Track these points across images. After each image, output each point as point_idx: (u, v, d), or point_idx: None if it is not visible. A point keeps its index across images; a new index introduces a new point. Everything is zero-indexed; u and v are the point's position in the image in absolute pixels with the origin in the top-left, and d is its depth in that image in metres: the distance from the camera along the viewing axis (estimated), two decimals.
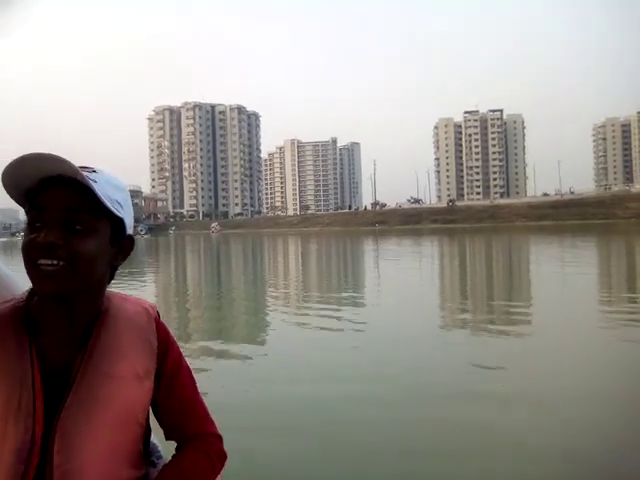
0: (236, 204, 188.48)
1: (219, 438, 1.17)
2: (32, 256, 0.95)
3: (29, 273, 0.96)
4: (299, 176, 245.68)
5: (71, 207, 0.98)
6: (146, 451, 1.12)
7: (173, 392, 1.11)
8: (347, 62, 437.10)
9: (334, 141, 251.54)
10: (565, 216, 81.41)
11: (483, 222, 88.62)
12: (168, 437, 1.15)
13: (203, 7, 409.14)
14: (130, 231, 1.07)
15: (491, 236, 50.38)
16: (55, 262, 0.94)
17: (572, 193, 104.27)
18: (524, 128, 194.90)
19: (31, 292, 1.06)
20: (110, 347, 1.03)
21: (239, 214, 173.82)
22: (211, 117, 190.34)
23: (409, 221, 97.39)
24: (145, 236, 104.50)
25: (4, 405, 0.94)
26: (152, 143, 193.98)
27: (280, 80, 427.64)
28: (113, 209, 1.01)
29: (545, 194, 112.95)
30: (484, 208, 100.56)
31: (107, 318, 1.05)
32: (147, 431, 1.11)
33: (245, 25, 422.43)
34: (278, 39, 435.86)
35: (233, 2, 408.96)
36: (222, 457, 1.16)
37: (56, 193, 0.97)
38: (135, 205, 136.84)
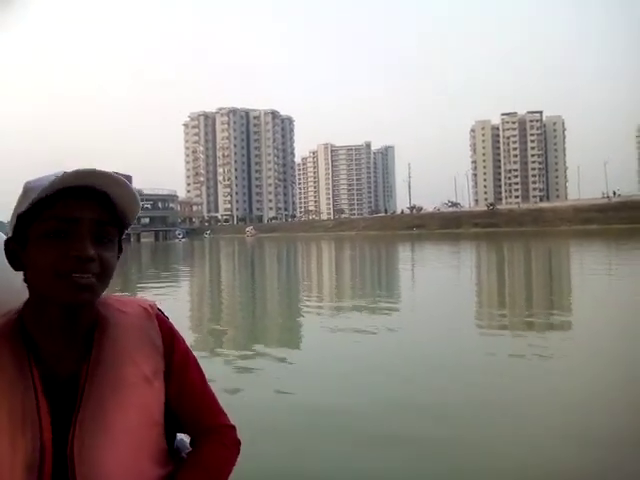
0: (270, 208, 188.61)
1: (232, 428, 1.18)
2: (64, 268, 0.94)
3: (54, 284, 0.94)
4: (332, 180, 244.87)
5: (101, 220, 0.99)
6: (173, 448, 1.13)
7: (184, 387, 1.11)
8: (380, 64, 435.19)
9: (368, 145, 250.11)
10: (613, 220, 77.78)
11: (526, 226, 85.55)
12: (184, 431, 1.16)
13: (236, 12, 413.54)
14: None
15: (540, 241, 47.99)
16: (89, 276, 0.95)
17: (619, 196, 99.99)
18: (564, 130, 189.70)
19: (25, 305, 1.04)
20: (114, 354, 1.02)
21: (273, 218, 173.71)
22: (245, 122, 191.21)
23: (448, 225, 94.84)
24: (183, 240, 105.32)
25: (9, 419, 0.94)
26: (187, 148, 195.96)
27: (313, 84, 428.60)
28: (130, 223, 1.05)
29: (592, 198, 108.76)
30: (527, 212, 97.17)
31: (107, 324, 1.05)
32: (173, 428, 1.12)
33: (278, 30, 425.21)
34: (311, 42, 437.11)
35: (266, 7, 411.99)
36: (237, 446, 1.17)
37: (88, 205, 0.98)
38: (171, 209, 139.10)
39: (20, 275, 1.02)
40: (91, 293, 0.96)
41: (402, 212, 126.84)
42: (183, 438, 1.19)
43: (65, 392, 0.98)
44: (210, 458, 1.10)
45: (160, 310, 1.14)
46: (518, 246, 40.42)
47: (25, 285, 1.03)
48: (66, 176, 0.95)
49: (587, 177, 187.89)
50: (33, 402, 0.95)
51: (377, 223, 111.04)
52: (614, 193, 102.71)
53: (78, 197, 0.97)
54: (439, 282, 17.36)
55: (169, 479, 1.04)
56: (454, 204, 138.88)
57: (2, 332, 1.00)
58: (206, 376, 1.17)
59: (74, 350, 1.01)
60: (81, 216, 0.97)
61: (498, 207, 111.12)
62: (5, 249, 1.02)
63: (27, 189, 0.98)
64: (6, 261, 1.03)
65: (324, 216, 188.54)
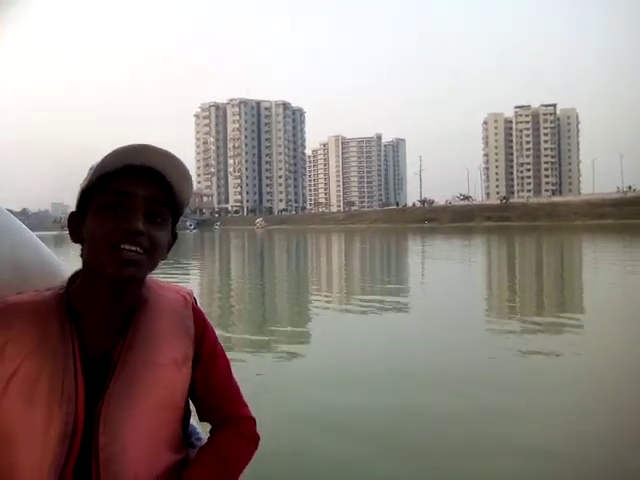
0: (280, 200, 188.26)
1: (253, 420, 1.20)
2: (114, 239, 0.97)
3: (104, 255, 0.98)
4: (343, 172, 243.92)
5: (155, 199, 1.02)
6: (185, 433, 1.15)
7: (209, 376, 1.13)
8: (392, 56, 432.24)
9: (379, 137, 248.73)
10: (628, 214, 76.59)
11: (539, 220, 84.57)
12: (202, 419, 1.18)
13: (248, 3, 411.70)
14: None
15: (556, 236, 47.18)
16: (138, 249, 0.98)
17: (633, 190, 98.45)
18: (578, 123, 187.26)
19: (72, 278, 1.09)
20: (149, 335, 1.05)
21: (283, 210, 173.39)
22: (256, 113, 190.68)
23: (461, 218, 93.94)
24: (194, 231, 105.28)
25: (48, 390, 0.96)
26: (198, 139, 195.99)
27: (324, 75, 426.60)
28: (183, 207, 1.09)
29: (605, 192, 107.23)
30: (540, 205, 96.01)
31: (146, 306, 1.08)
32: (186, 413, 1.14)
33: (290, 21, 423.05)
34: (323, 34, 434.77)
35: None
36: (255, 439, 1.18)
37: (143, 183, 1.02)
38: None
39: (37, 254, 1.12)
40: (136, 268, 0.99)
41: (413, 205, 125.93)
42: (194, 424, 1.21)
43: (99, 367, 1.01)
44: (227, 448, 1.12)
45: (195, 300, 1.17)
46: (536, 241, 39.65)
47: (59, 266, 1.12)
48: (124, 153, 1.00)
49: (601, 171, 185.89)
50: (72, 377, 0.97)
51: (388, 216, 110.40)
52: (629, 188, 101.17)
53: (135, 174, 1.01)
54: (460, 280, 16.78)
55: (181, 464, 1.07)
56: (466, 197, 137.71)
57: (49, 305, 1.03)
58: (232, 368, 1.19)
59: (114, 327, 1.04)
60: (135, 192, 1.00)
61: (511, 201, 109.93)
62: (68, 222, 1.07)
63: (92, 167, 1.02)
64: (23, 239, 1.14)
65: (334, 208, 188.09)
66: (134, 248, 0.98)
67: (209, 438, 1.16)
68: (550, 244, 35.33)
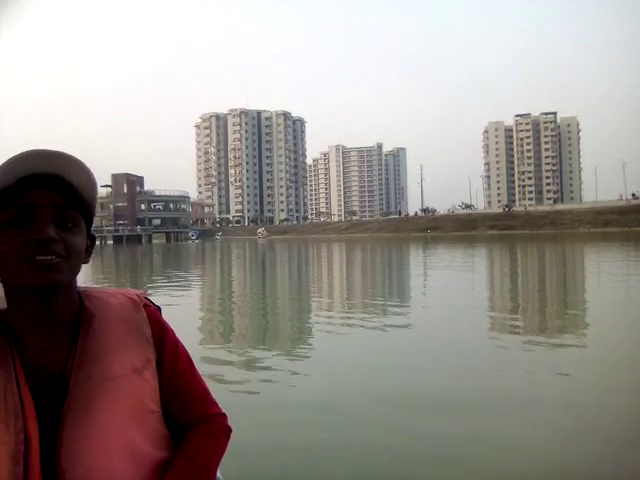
0: (281, 210, 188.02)
1: (223, 416, 1.19)
2: (27, 253, 0.94)
3: (20, 269, 0.94)
4: (344, 182, 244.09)
5: (61, 204, 0.98)
6: (176, 433, 1.13)
7: (174, 378, 1.11)
8: (392, 65, 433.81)
9: (379, 146, 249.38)
10: (633, 222, 76.04)
11: (543, 228, 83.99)
12: (176, 421, 1.14)
13: (248, 13, 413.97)
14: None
15: (562, 244, 46.63)
16: (53, 257, 0.95)
17: (636, 198, 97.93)
18: (579, 131, 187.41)
19: (7, 302, 1.03)
20: (100, 347, 1.01)
21: (285, 220, 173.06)
22: (257, 123, 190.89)
23: (464, 227, 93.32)
24: (196, 241, 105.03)
25: None
26: (199, 150, 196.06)
27: (325, 85, 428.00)
28: (92, 208, 1.05)
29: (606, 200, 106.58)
30: (544, 214, 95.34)
31: (93, 317, 1.04)
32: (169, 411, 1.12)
33: (290, 31, 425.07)
34: (323, 44, 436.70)
35: (279, 9, 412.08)
36: (227, 432, 1.18)
37: (45, 191, 0.98)
38: (183, 210, 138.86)
39: None
40: (55, 273, 0.95)
41: (416, 214, 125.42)
42: None
43: (53, 386, 0.98)
44: (197, 449, 1.10)
45: (149, 299, 1.14)
46: (542, 250, 39.08)
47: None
48: (18, 164, 0.97)
49: (603, 179, 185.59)
50: (16, 396, 0.94)
51: (390, 225, 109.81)
52: (633, 195, 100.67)
53: (36, 184, 0.97)
54: (474, 294, 16.19)
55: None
56: (468, 206, 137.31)
57: None
58: (195, 365, 1.17)
59: (60, 344, 1.00)
60: (39, 201, 0.97)
61: (514, 209, 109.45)
62: None
63: None
64: None
65: (335, 218, 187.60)
66: (49, 257, 0.94)
67: (182, 441, 1.13)
68: (557, 254, 34.73)
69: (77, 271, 1.01)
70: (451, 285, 16.91)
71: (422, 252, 40.29)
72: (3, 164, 0.98)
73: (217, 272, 28.41)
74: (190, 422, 1.15)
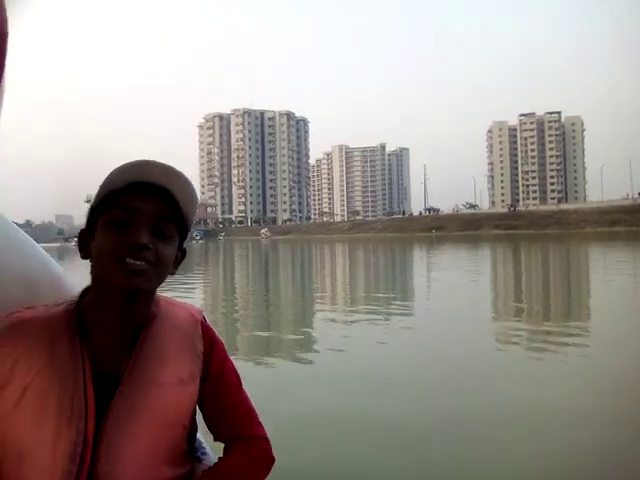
0: (284, 210, 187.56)
1: (266, 441, 1.16)
2: (119, 253, 0.99)
3: (110, 268, 0.99)
4: (347, 182, 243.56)
5: (161, 215, 1.04)
6: (191, 448, 1.14)
7: (218, 394, 1.12)
8: (395, 65, 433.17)
9: (383, 147, 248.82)
10: None
11: (548, 228, 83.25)
12: (216, 438, 1.16)
13: (252, 13, 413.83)
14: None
15: (570, 245, 45.91)
16: (142, 263, 0.99)
17: None
18: (583, 130, 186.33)
19: (83, 294, 1.09)
20: (155, 353, 1.05)
21: (288, 220, 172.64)
22: (260, 123, 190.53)
23: (469, 227, 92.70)
24: (200, 241, 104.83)
25: (57, 408, 0.97)
26: (202, 150, 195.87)
27: (328, 85, 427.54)
28: (189, 224, 1.10)
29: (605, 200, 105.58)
30: (549, 213, 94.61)
31: (155, 323, 1.08)
32: (193, 428, 1.13)
33: (294, 31, 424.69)
34: (327, 44, 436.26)
35: (282, 9, 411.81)
36: (268, 461, 1.14)
37: (149, 199, 1.03)
38: None
39: (43, 268, 1.18)
40: (142, 278, 1.00)
41: (420, 214, 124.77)
42: (200, 438, 1.19)
43: (106, 385, 1.01)
44: (233, 471, 1.09)
45: (204, 318, 1.17)
46: (549, 251, 38.39)
47: (65, 278, 1.17)
48: (131, 170, 1.03)
49: (607, 178, 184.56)
50: (82, 396, 0.98)
51: (394, 225, 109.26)
52: (639, 194, 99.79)
53: (142, 191, 1.03)
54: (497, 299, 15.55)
55: (185, 479, 1.07)
56: (472, 206, 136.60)
57: (59, 320, 1.04)
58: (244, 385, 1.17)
59: (122, 344, 1.05)
60: (141, 207, 1.02)
61: (518, 208, 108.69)
62: (78, 239, 1.09)
63: (101, 184, 1.05)
64: (30, 252, 1.20)
65: (338, 218, 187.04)
66: (139, 262, 0.99)
67: (218, 459, 1.13)
68: (565, 255, 34.04)
69: (162, 280, 1.06)
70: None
71: (429, 253, 39.60)
72: (115, 169, 1.04)
73: (222, 274, 27.87)
74: (231, 440, 1.14)
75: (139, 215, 1.02)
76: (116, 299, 1.02)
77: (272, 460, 1.15)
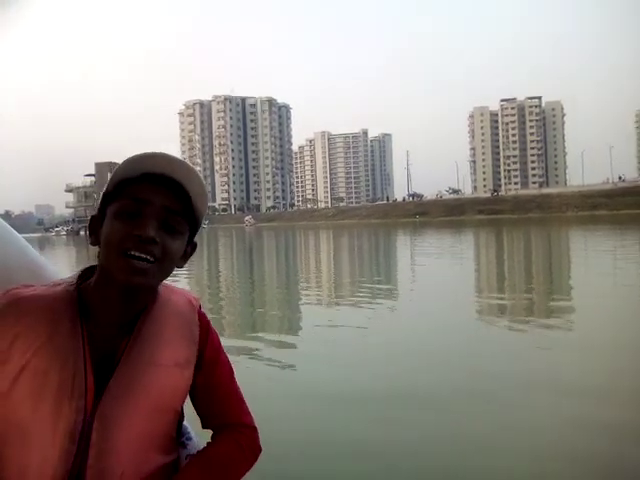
0: (268, 197, 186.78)
1: (254, 430, 1.17)
2: (125, 245, 0.98)
3: (115, 261, 0.98)
4: (330, 168, 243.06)
5: (171, 208, 1.02)
6: (178, 434, 1.15)
7: (210, 381, 1.12)
8: (377, 51, 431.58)
9: (365, 133, 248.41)
10: (620, 205, 76.25)
11: (531, 212, 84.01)
12: (204, 425, 1.16)
13: (231, 0, 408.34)
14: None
15: (552, 228, 46.37)
16: (148, 257, 0.98)
17: (623, 181, 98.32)
18: (564, 115, 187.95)
19: (81, 276, 1.09)
20: (154, 335, 1.05)
21: (272, 207, 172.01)
22: (242, 110, 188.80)
23: (452, 212, 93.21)
24: None
25: (57, 387, 0.97)
26: (183, 137, 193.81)
27: (310, 71, 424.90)
28: (200, 219, 1.09)
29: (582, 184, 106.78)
30: (532, 197, 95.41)
31: (154, 307, 1.09)
32: (180, 415, 1.14)
33: (275, 17, 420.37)
34: (308, 30, 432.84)
35: None
36: (256, 450, 1.16)
37: (160, 191, 1.02)
38: None
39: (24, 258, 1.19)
40: (145, 277, 0.99)
41: (404, 200, 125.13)
42: (185, 424, 1.20)
43: (104, 365, 1.01)
44: (221, 458, 1.09)
45: (201, 306, 1.18)
46: (531, 234, 38.76)
47: (46, 266, 1.18)
48: (144, 161, 1.02)
49: (587, 163, 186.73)
50: (82, 375, 0.98)
51: (378, 211, 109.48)
52: (620, 178, 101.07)
53: (154, 182, 1.02)
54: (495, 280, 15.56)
55: (171, 466, 1.07)
56: (455, 191, 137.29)
57: (60, 301, 1.04)
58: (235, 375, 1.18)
59: (122, 325, 1.05)
60: (152, 199, 1.01)
61: (501, 193, 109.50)
62: (88, 225, 1.09)
63: (114, 171, 1.04)
64: (22, 247, 1.20)
65: (321, 205, 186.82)
66: (144, 256, 0.98)
67: (207, 444, 1.13)
68: (548, 238, 34.38)
69: (167, 275, 1.06)
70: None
71: (415, 238, 39.76)
72: (130, 158, 1.03)
73: (206, 265, 27.66)
74: (220, 427, 1.15)
75: (149, 206, 1.00)
76: (117, 292, 1.02)
77: (259, 449, 1.16)
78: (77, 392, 0.97)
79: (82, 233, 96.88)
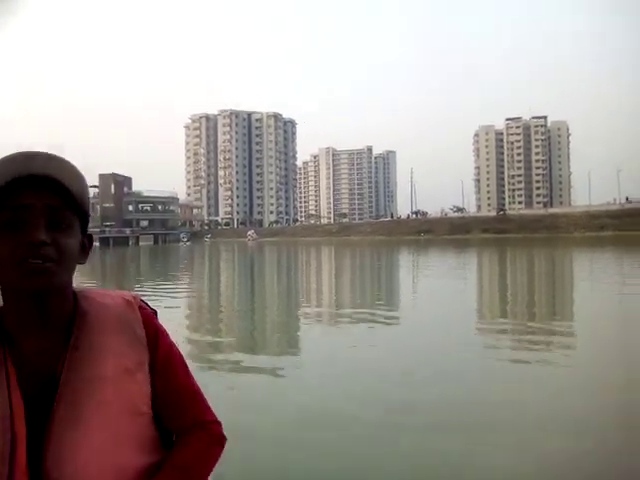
0: (271, 212, 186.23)
1: (217, 424, 1.17)
2: (19, 255, 0.94)
3: (12, 272, 0.95)
4: (334, 184, 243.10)
5: (54, 205, 0.98)
6: (166, 435, 1.12)
7: (167, 381, 1.09)
8: (381, 67, 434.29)
9: (369, 149, 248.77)
10: (628, 226, 75.34)
11: (538, 232, 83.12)
12: (167, 425, 1.12)
13: (239, 13, 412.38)
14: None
15: (560, 249, 45.51)
16: (45, 261, 0.95)
17: (630, 202, 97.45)
18: (569, 135, 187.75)
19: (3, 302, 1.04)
20: (92, 348, 1.01)
21: (275, 222, 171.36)
22: (247, 125, 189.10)
23: (457, 230, 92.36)
24: (187, 243, 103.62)
25: None
26: (188, 150, 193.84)
27: (315, 87, 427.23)
28: (86, 207, 1.04)
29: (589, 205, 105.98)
30: (538, 217, 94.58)
31: (86, 318, 1.04)
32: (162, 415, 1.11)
33: (280, 32, 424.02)
34: (313, 46, 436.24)
35: (268, 9, 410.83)
36: (221, 441, 1.16)
37: (37, 193, 0.97)
38: (171, 212, 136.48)
39: None
40: (48, 277, 0.95)
41: (408, 217, 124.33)
42: None
43: (45, 390, 0.98)
44: (188, 457, 1.08)
45: (145, 302, 1.14)
46: (542, 255, 37.89)
47: None
48: (10, 166, 0.97)
49: (595, 183, 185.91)
50: (5, 397, 0.95)
51: (383, 228, 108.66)
52: (626, 199, 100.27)
53: (28, 185, 0.96)
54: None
55: (158, 467, 1.05)
56: (459, 209, 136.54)
57: None
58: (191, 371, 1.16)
59: (53, 344, 1.01)
60: (32, 202, 0.96)
61: (508, 212, 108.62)
62: None
63: None
64: None
65: (324, 220, 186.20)
66: (40, 261, 0.94)
67: (174, 447, 1.12)
68: (558, 260, 33.49)
69: (71, 273, 1.02)
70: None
71: (421, 258, 38.94)
72: None
73: (207, 284, 26.96)
74: (183, 428, 1.13)
75: (30, 211, 0.96)
76: (28, 302, 0.99)
77: (224, 439, 1.16)
78: (1, 415, 0.94)
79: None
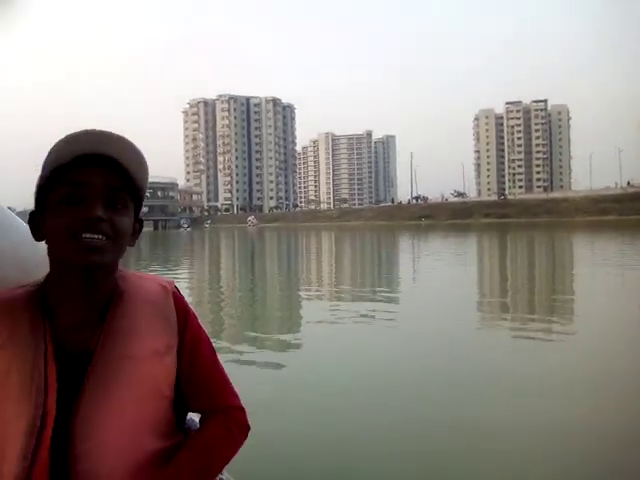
0: (271, 198, 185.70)
1: (242, 410, 1.17)
2: (74, 229, 0.96)
3: (67, 246, 0.97)
4: (333, 169, 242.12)
5: (113, 185, 1.00)
6: (182, 420, 1.14)
7: (193, 365, 1.11)
8: (382, 51, 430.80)
9: (369, 134, 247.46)
10: (630, 210, 74.94)
11: (539, 217, 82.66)
12: (192, 409, 1.15)
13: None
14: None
15: (564, 233, 45.24)
16: (100, 237, 0.97)
17: (631, 186, 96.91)
18: (569, 119, 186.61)
19: (47, 277, 1.07)
20: (127, 327, 1.04)
21: (275, 207, 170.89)
22: (246, 109, 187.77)
23: (459, 215, 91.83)
24: (188, 229, 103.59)
25: (18, 388, 0.96)
26: (187, 136, 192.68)
27: (314, 72, 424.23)
28: (142, 192, 1.07)
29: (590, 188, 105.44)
30: (540, 202, 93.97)
31: (124, 298, 1.07)
32: (185, 405, 1.13)
33: (279, 16, 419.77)
34: (313, 30, 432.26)
35: None
36: (244, 429, 1.16)
37: (99, 171, 0.99)
38: (171, 198, 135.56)
39: (36, 252, 1.12)
40: (101, 254, 0.97)
41: (408, 202, 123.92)
42: (193, 417, 1.19)
43: (78, 364, 1.00)
44: (210, 441, 1.09)
45: (177, 289, 1.16)
46: (545, 240, 37.65)
47: (39, 262, 1.11)
48: (74, 142, 0.99)
49: (596, 167, 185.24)
50: (41, 370, 0.97)
51: (383, 213, 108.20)
52: (628, 183, 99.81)
53: (90, 163, 0.99)
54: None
55: (173, 451, 1.06)
56: (460, 194, 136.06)
57: (21, 301, 1.04)
58: (219, 356, 1.16)
59: (90, 321, 1.03)
60: (92, 180, 0.99)
61: (509, 197, 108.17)
62: (29, 222, 1.06)
63: (44, 162, 1.02)
64: (24, 238, 1.15)
65: (324, 206, 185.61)
66: (95, 236, 0.96)
67: (196, 430, 1.14)
68: (566, 244, 33.26)
69: (122, 253, 1.04)
70: None
71: (425, 243, 38.70)
72: (58, 142, 1.01)
73: (207, 267, 26.74)
74: (208, 410, 1.14)
75: (90, 188, 0.99)
76: (76, 277, 1.01)
77: (248, 428, 1.17)
78: (35, 389, 0.96)
79: None
